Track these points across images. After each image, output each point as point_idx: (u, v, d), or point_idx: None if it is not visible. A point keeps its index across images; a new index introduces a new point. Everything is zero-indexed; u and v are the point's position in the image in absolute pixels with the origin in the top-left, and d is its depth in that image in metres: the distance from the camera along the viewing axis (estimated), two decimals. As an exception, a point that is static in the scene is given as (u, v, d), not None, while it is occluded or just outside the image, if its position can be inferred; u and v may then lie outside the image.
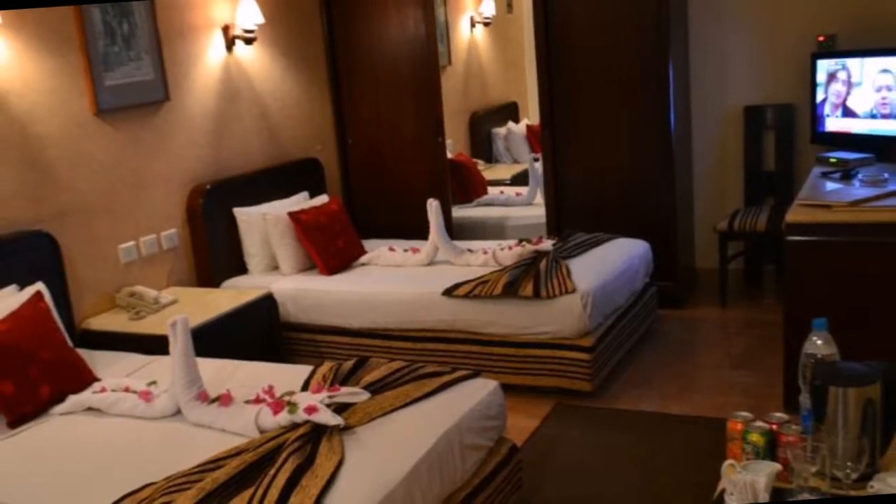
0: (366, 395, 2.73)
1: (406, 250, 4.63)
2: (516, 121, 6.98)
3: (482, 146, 6.73)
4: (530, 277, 3.93)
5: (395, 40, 5.27)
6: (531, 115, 6.86)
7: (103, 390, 3.00)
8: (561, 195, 5.14)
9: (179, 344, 2.81)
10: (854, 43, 4.67)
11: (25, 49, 3.63)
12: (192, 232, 4.44)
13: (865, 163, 4.07)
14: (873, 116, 4.35)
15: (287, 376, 3.03)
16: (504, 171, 6.63)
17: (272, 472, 2.29)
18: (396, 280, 4.32)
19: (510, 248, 4.33)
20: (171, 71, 4.30)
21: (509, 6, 7.07)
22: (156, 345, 3.45)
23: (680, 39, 4.97)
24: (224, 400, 2.77)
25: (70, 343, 3.30)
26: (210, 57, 4.59)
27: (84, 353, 3.34)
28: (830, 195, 3.62)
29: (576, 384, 3.85)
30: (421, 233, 4.68)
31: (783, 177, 5.10)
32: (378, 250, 4.69)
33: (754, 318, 4.78)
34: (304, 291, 4.36)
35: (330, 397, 2.65)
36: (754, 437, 2.15)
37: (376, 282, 4.33)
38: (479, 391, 2.86)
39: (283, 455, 2.36)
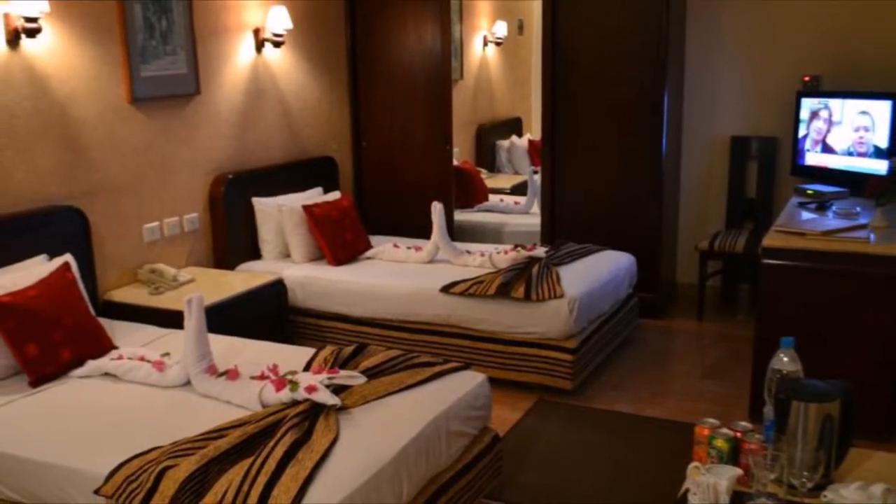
0: (363, 379, 2.72)
1: (409, 248, 4.62)
2: (519, 135, 6.97)
3: (486, 156, 6.72)
4: (522, 281, 3.93)
5: (413, 53, 5.27)
6: (534, 131, 6.85)
7: (120, 358, 3.00)
8: (556, 207, 5.14)
9: (193, 320, 2.81)
10: (837, 84, 4.67)
11: (70, 38, 3.63)
12: (213, 217, 4.44)
13: (840, 196, 4.08)
14: (850, 154, 4.35)
15: (291, 356, 3.03)
16: (505, 180, 6.62)
17: (271, 444, 2.29)
18: (398, 275, 4.31)
19: (506, 252, 4.32)
20: (204, 67, 4.30)
21: (520, 28, 7.06)
22: (172, 319, 3.46)
23: (677, 72, 4.97)
24: (231, 374, 2.77)
25: (92, 312, 3.30)
26: (240, 56, 4.59)
27: (105, 323, 3.34)
28: (805, 224, 3.62)
29: (558, 382, 3.85)
30: (424, 232, 4.67)
31: (763, 204, 5.09)
32: (383, 246, 4.68)
33: (727, 332, 4.78)
34: (312, 279, 4.36)
35: (329, 379, 2.65)
36: (719, 443, 2.15)
37: (379, 275, 4.32)
38: (467, 382, 2.86)
39: (283, 429, 2.36)
